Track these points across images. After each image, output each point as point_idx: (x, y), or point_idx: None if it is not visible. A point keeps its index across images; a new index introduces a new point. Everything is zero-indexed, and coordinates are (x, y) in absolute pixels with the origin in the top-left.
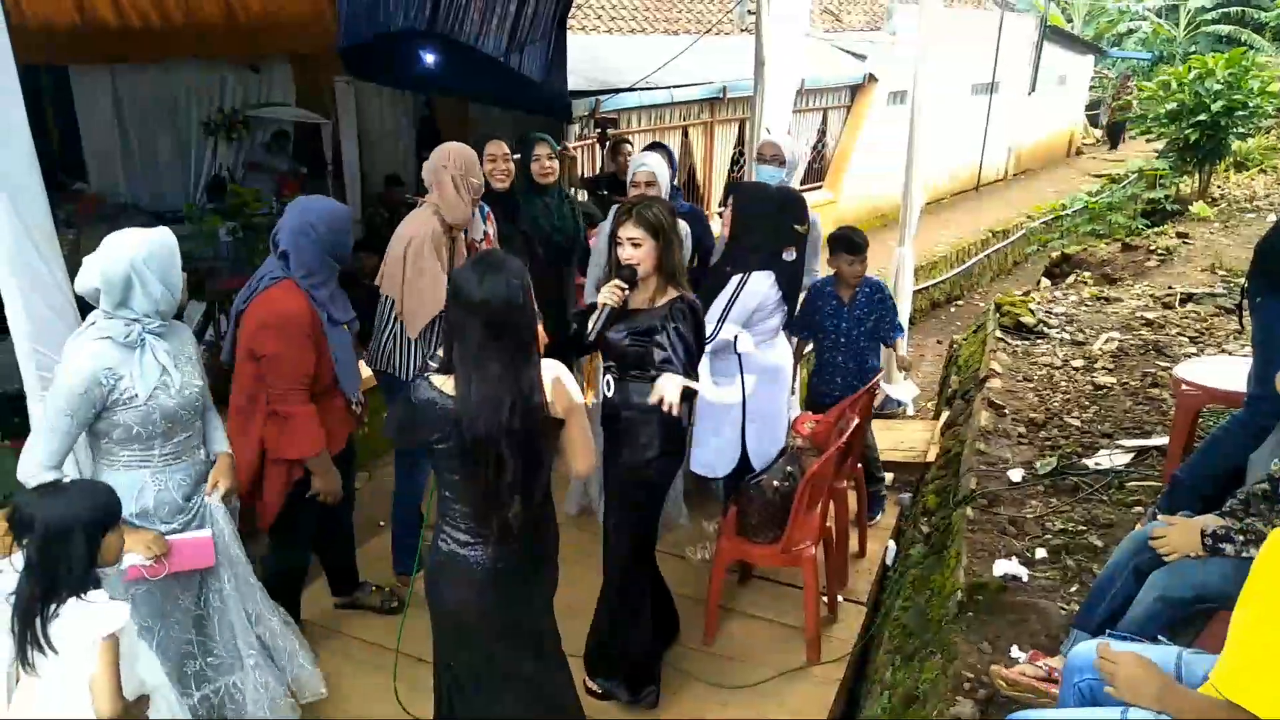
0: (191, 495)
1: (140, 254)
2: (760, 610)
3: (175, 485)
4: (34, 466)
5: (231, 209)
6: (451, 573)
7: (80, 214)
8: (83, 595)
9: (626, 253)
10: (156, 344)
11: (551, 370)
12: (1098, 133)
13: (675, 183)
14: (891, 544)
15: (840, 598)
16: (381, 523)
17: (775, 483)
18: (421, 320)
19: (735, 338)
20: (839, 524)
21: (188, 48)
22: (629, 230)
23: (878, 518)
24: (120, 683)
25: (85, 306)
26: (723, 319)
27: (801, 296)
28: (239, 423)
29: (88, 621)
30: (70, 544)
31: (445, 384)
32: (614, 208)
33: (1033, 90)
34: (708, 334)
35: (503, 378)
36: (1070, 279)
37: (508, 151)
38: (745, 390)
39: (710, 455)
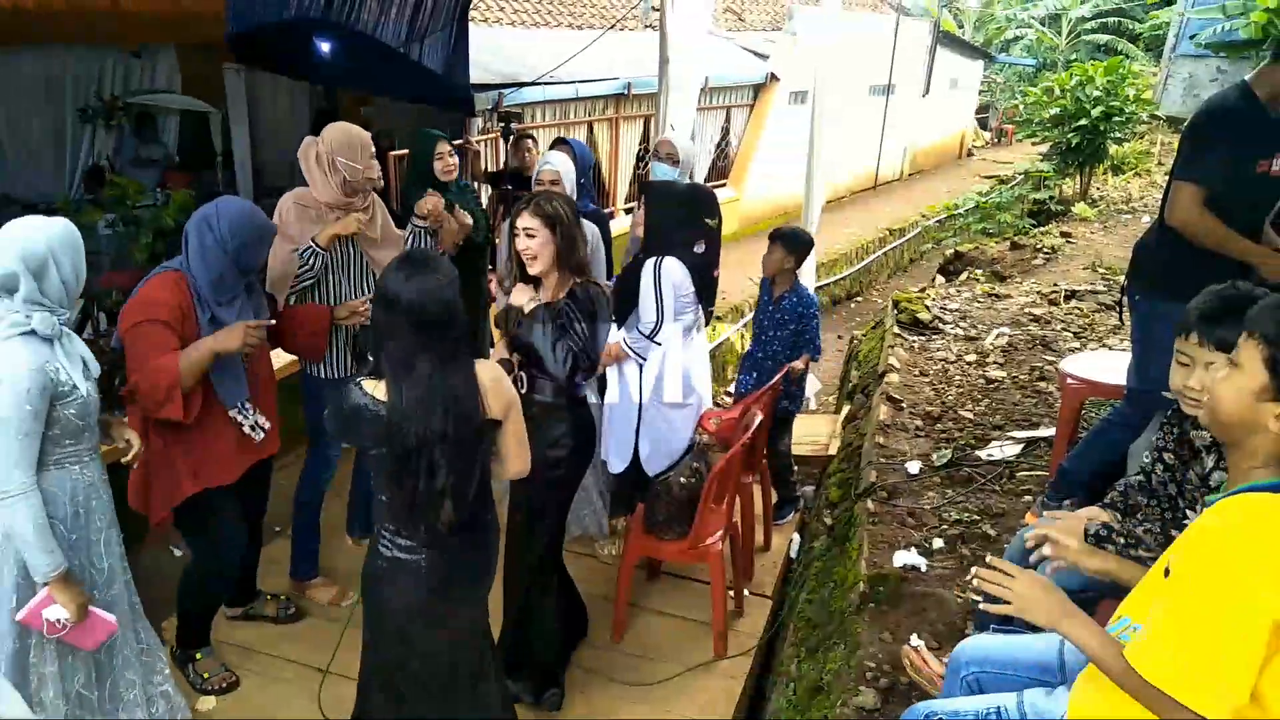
0: (103, 494)
1: (55, 238)
2: (668, 607)
3: (99, 482)
4: (12, 477)
5: (111, 201)
6: (392, 578)
7: None
8: None
9: (522, 243)
10: (69, 335)
11: (488, 370)
12: (987, 135)
13: (584, 179)
14: (796, 537)
15: (746, 592)
16: (278, 528)
17: (682, 479)
18: (275, 287)
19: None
20: (745, 519)
21: (66, 31)
22: (525, 220)
23: (788, 517)
24: None
25: None
26: (660, 305)
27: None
28: (132, 422)
29: None
30: None
31: (376, 389)
32: (517, 203)
33: (927, 93)
34: (651, 322)
35: (434, 381)
36: (963, 276)
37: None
38: (643, 393)
39: (611, 451)
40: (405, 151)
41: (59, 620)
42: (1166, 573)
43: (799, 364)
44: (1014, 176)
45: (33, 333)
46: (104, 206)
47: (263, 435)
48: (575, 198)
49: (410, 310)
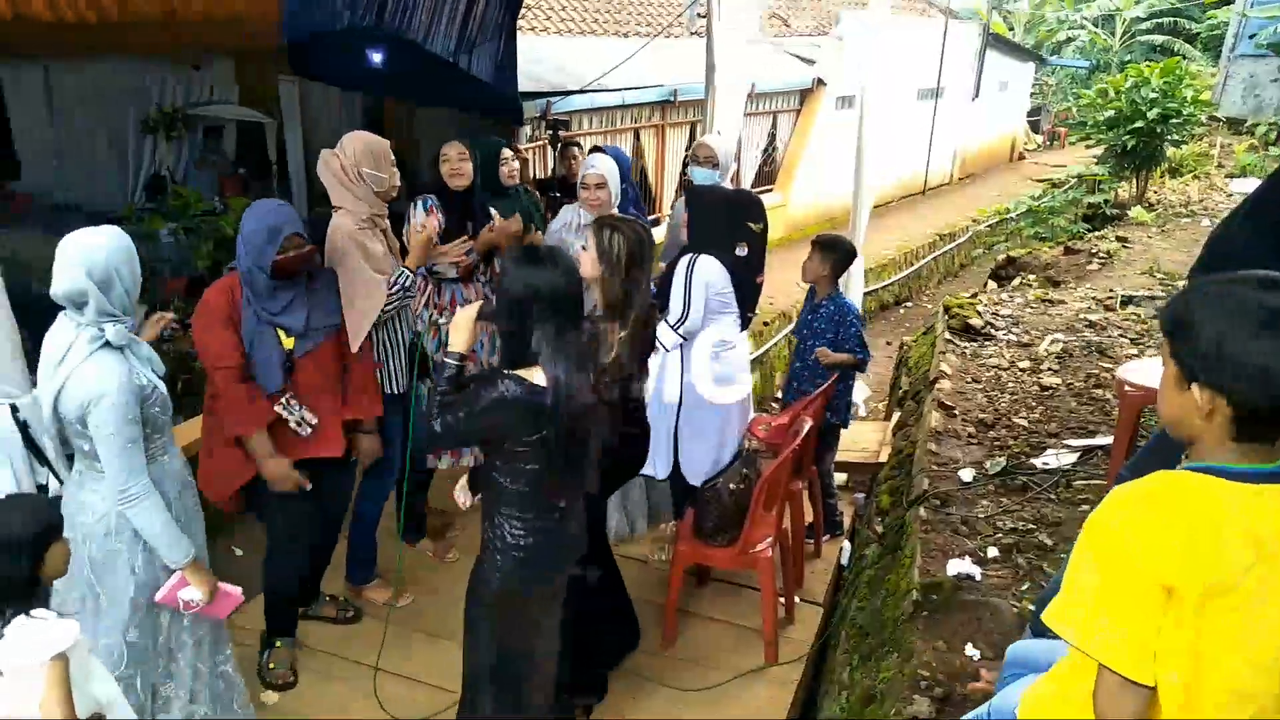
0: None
1: (115, 248)
2: (718, 613)
3: (183, 469)
4: (130, 480)
5: (174, 209)
6: (535, 560)
7: (13, 214)
8: (29, 613)
9: (580, 253)
10: (134, 339)
11: None
12: (1039, 138)
13: (631, 186)
14: (846, 544)
15: (797, 599)
16: None
17: (731, 485)
18: (362, 330)
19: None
20: (795, 526)
21: (125, 44)
22: (589, 232)
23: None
24: (72, 703)
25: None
26: (687, 299)
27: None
28: (205, 415)
29: (35, 641)
30: (10, 561)
31: (532, 375)
32: (563, 209)
33: (976, 96)
34: (676, 315)
35: (581, 359)
36: (1016, 281)
37: (464, 151)
38: (682, 397)
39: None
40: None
41: (194, 600)
42: None
43: (828, 353)
44: (1067, 180)
45: (108, 344)
46: (166, 215)
47: (309, 431)
48: (618, 202)
49: (556, 297)
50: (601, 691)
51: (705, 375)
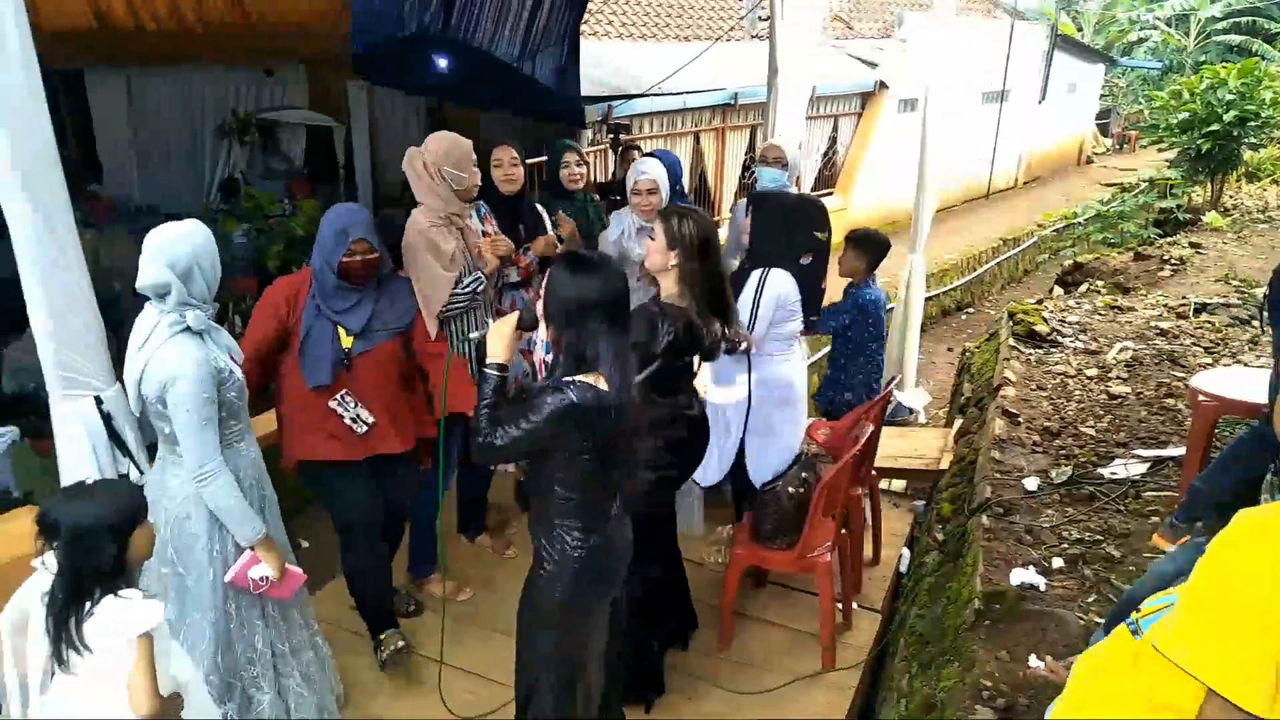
0: (261, 466)
1: (197, 241)
2: (774, 616)
3: (258, 454)
4: (205, 459)
5: (247, 211)
6: (592, 568)
7: (96, 216)
8: (116, 594)
9: (647, 245)
10: (214, 325)
11: None
12: (1108, 141)
13: (682, 188)
14: (906, 551)
15: (855, 604)
16: None
17: (790, 489)
18: (431, 317)
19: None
20: (854, 531)
21: (204, 51)
22: (656, 223)
23: None
24: (156, 681)
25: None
26: (754, 315)
27: None
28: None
29: (122, 620)
30: (98, 544)
31: (598, 381)
32: (614, 216)
33: (1043, 99)
34: (741, 332)
35: (633, 364)
36: (1083, 288)
37: (516, 156)
38: (750, 401)
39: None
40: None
41: (263, 578)
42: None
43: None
44: (1138, 184)
45: (188, 329)
46: (240, 217)
47: (365, 429)
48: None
49: (611, 302)
50: (660, 685)
51: (766, 379)
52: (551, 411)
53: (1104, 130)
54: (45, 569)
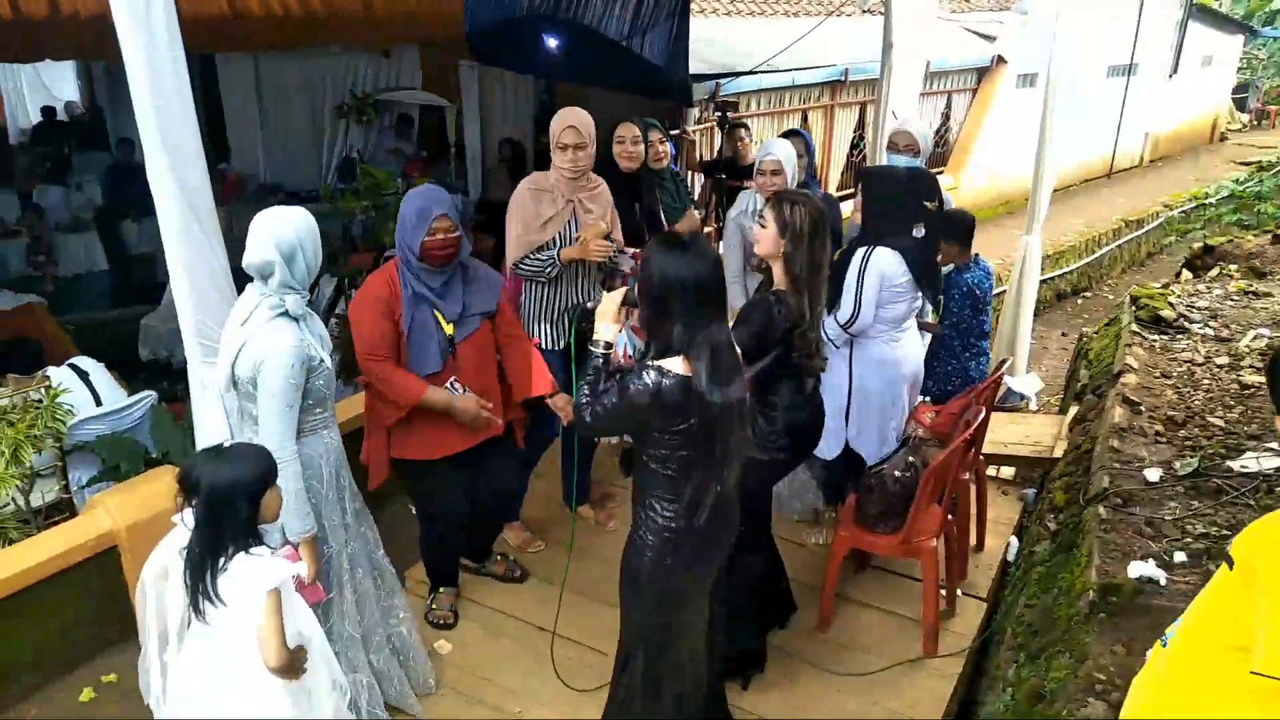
0: (343, 455)
1: (301, 227)
2: (876, 600)
3: (339, 444)
4: (281, 444)
5: (365, 189)
6: (683, 545)
7: (226, 193)
8: (248, 551)
9: (758, 230)
10: (310, 312)
11: None
12: (1244, 117)
13: (811, 170)
14: (1014, 540)
15: (959, 591)
16: None
17: (896, 473)
18: (509, 258)
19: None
20: (960, 518)
21: (327, 36)
22: (766, 209)
23: None
24: (284, 633)
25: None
26: (858, 298)
27: None
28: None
29: (253, 576)
30: (233, 504)
31: (675, 365)
32: (740, 195)
33: (1174, 72)
34: (846, 315)
35: (725, 347)
36: (1214, 271)
37: (638, 134)
38: (852, 382)
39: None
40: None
41: (298, 575)
42: (1230, 561)
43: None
44: (1277, 162)
45: (286, 313)
46: (359, 195)
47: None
48: (798, 184)
49: (700, 286)
50: (759, 663)
51: (868, 360)
52: (630, 395)
53: (1240, 105)
54: (184, 525)
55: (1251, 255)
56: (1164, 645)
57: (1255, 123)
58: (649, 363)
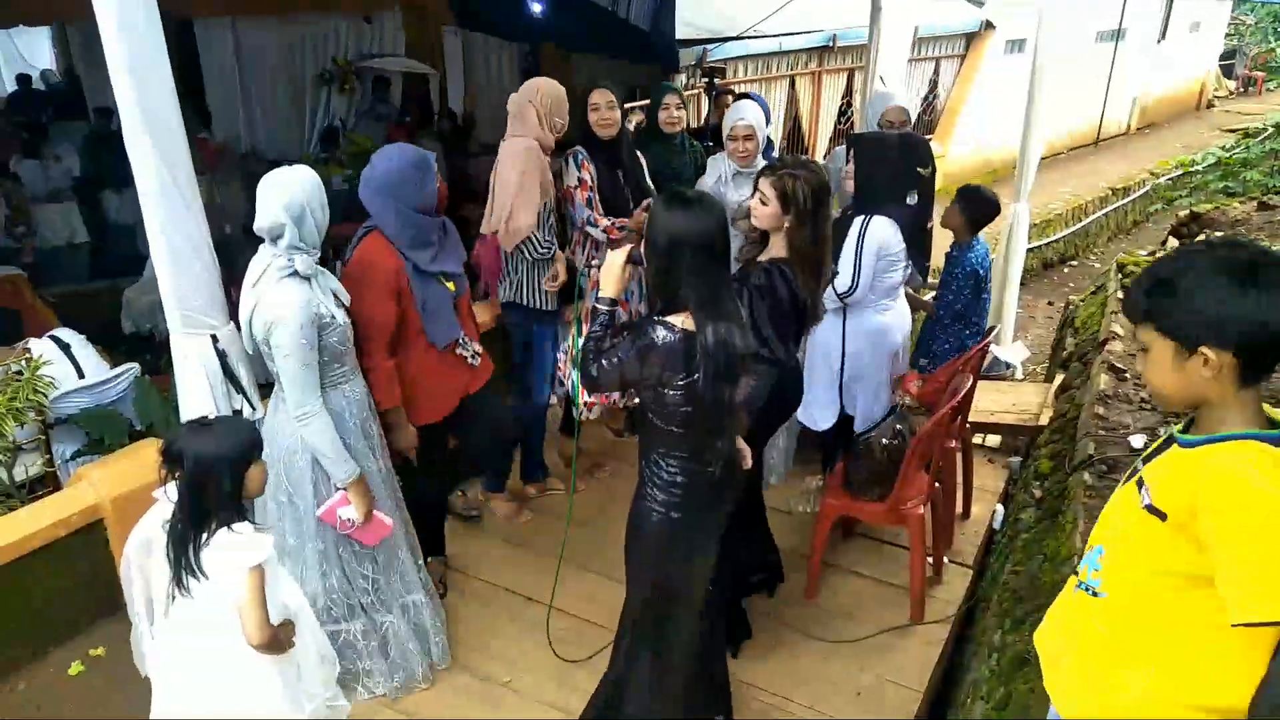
0: (371, 408)
1: (309, 186)
2: (863, 567)
3: (364, 395)
4: (304, 401)
5: (349, 157)
6: (689, 501)
7: (208, 162)
8: (231, 526)
9: (754, 202)
10: (322, 270)
11: None
12: (1232, 83)
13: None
14: (999, 508)
15: (945, 559)
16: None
17: (884, 441)
18: (511, 233)
19: None
20: (947, 485)
21: (307, 1)
22: (764, 185)
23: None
24: (267, 610)
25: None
26: (857, 267)
27: None
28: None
29: (236, 551)
30: (216, 476)
31: (682, 320)
32: (710, 161)
33: (1163, 38)
34: (845, 285)
35: (730, 303)
36: (1200, 239)
37: (613, 100)
38: (845, 349)
39: (813, 408)
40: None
41: (350, 519)
42: (1161, 515)
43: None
44: (1264, 129)
45: (295, 273)
46: (341, 163)
47: (478, 360)
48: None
49: (704, 241)
50: (747, 629)
51: (862, 328)
52: (636, 349)
53: (1228, 72)
54: (167, 498)
55: (1237, 223)
56: (1093, 595)
57: (1242, 89)
58: (653, 317)
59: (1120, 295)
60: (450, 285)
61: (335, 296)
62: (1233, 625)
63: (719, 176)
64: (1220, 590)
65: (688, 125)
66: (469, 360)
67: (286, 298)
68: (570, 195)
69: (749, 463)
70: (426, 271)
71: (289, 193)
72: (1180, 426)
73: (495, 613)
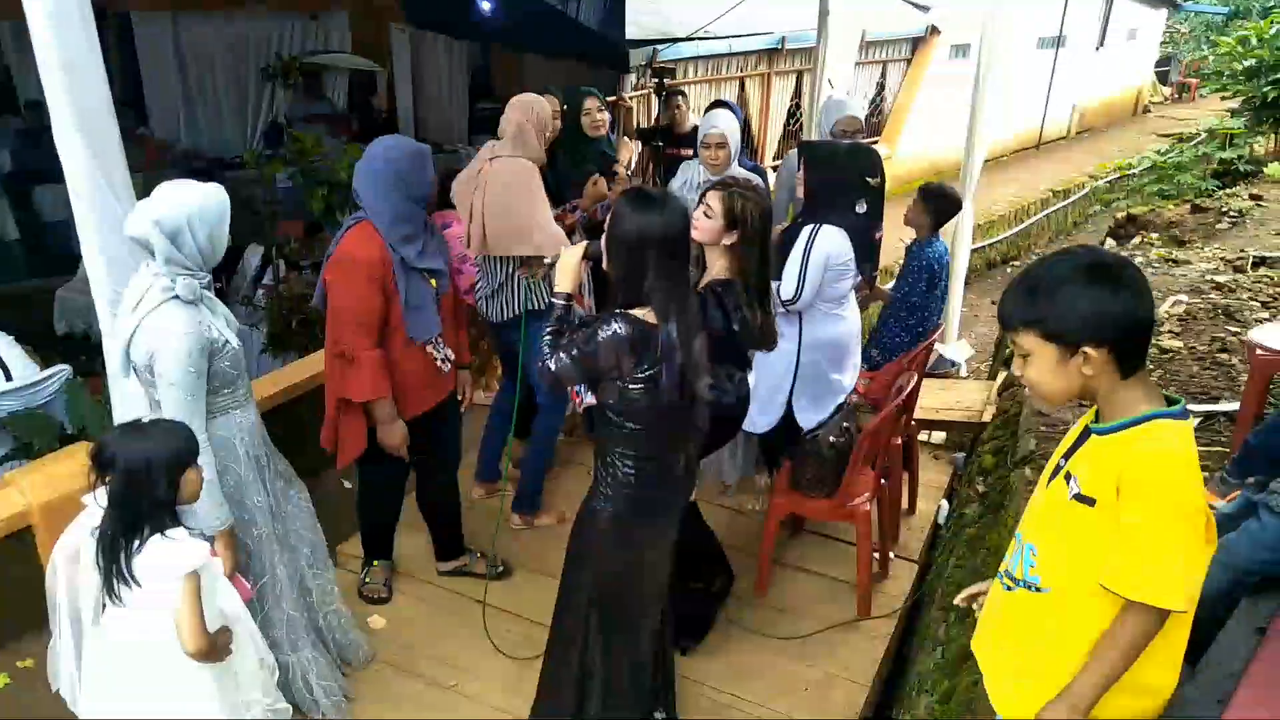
0: (261, 429)
1: (194, 205)
2: (811, 564)
3: (255, 422)
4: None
5: (292, 155)
6: (645, 497)
7: (145, 159)
8: (164, 532)
9: (697, 215)
10: (210, 296)
11: None
12: (1167, 90)
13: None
14: (944, 503)
15: (892, 554)
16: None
17: (831, 438)
18: (544, 249)
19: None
20: (892, 482)
21: None
22: (711, 199)
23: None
24: (203, 617)
25: None
26: (802, 276)
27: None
28: (329, 366)
29: (170, 558)
30: (150, 482)
31: (642, 314)
32: (681, 166)
33: (1101, 45)
34: (789, 293)
35: (688, 300)
36: (1136, 240)
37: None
38: (799, 358)
39: (755, 412)
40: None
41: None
42: (1090, 502)
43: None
44: (1197, 134)
45: (177, 298)
46: (285, 160)
47: (449, 366)
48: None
49: (667, 239)
50: (702, 632)
51: (816, 337)
52: (598, 342)
53: (1163, 79)
54: (96, 504)
55: (1171, 224)
56: (1035, 590)
57: (1177, 96)
58: (615, 312)
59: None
60: (433, 282)
61: (226, 320)
62: (1100, 584)
63: (686, 181)
64: (1110, 553)
65: (638, 125)
66: (439, 363)
67: (170, 324)
68: None
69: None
70: (413, 267)
71: (167, 207)
72: (1090, 418)
73: (442, 617)
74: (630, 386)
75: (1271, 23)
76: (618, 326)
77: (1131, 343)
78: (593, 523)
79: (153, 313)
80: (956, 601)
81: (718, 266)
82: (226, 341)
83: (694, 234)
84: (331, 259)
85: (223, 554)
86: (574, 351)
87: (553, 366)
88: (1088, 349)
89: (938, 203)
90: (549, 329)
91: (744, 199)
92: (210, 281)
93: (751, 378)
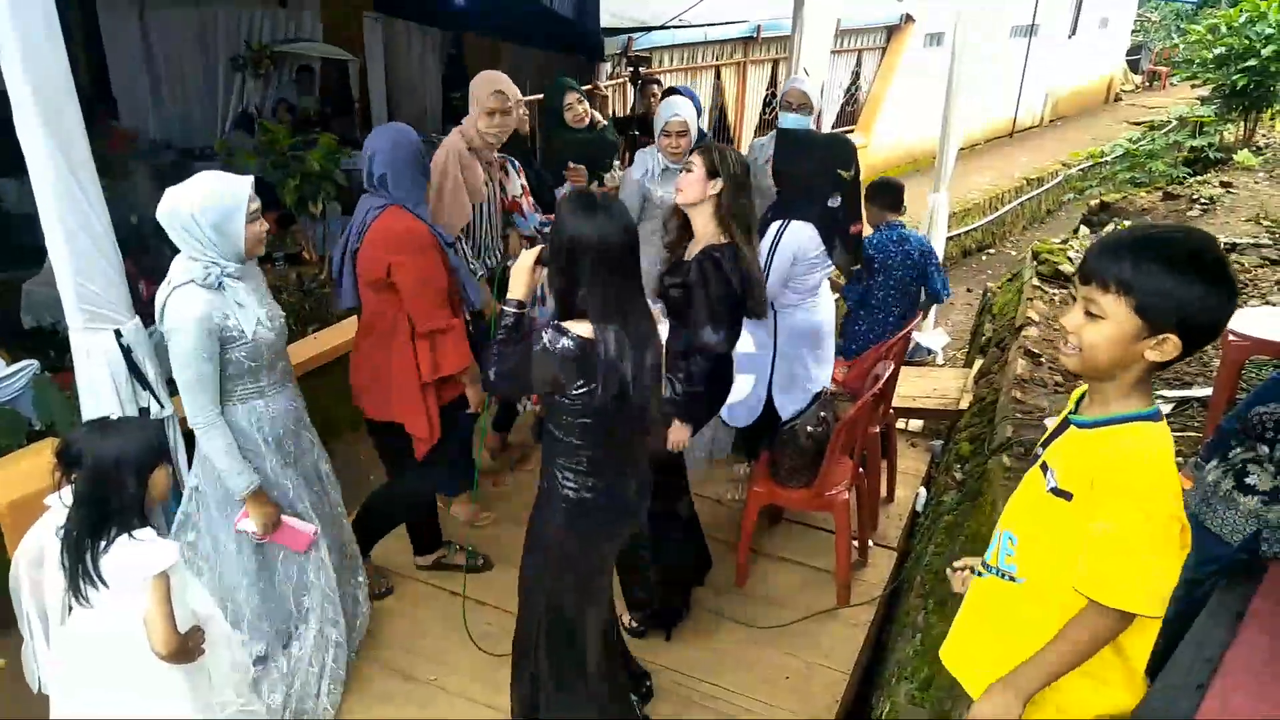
0: (297, 422)
1: (200, 199)
2: (790, 554)
3: (284, 412)
4: (196, 413)
5: (262, 146)
6: (589, 515)
7: (111, 150)
8: (132, 533)
9: (681, 179)
10: (235, 285)
11: None
12: (1138, 78)
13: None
14: (922, 490)
15: (870, 542)
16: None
17: (809, 428)
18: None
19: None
20: (870, 470)
21: None
22: (693, 156)
23: None
24: (173, 617)
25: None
26: (768, 269)
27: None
28: (382, 351)
29: (137, 558)
30: (119, 480)
31: (578, 328)
32: (638, 156)
33: (1073, 33)
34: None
35: (632, 313)
36: (1109, 227)
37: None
38: (776, 349)
39: (735, 404)
40: (538, 97)
41: (249, 532)
42: (1067, 496)
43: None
44: (1168, 122)
45: (192, 282)
46: (256, 151)
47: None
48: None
49: (604, 248)
50: (680, 613)
51: (792, 329)
52: (532, 355)
53: (1134, 67)
54: (61, 503)
55: (1144, 211)
56: (1010, 580)
57: (1148, 84)
58: (551, 323)
59: (1036, 282)
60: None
61: (256, 307)
62: (1075, 588)
63: (645, 171)
64: (1080, 555)
65: (613, 114)
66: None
67: (184, 308)
68: (518, 206)
69: (684, 439)
70: (446, 240)
71: (178, 198)
72: (1072, 407)
73: (422, 612)
74: (566, 401)
75: (1241, 10)
76: (551, 340)
77: (1199, 346)
78: (539, 537)
79: (172, 294)
80: (953, 565)
81: (709, 230)
82: (243, 331)
83: (678, 197)
84: (390, 242)
85: (253, 513)
86: (512, 363)
87: (491, 377)
88: (1172, 336)
89: (884, 195)
90: (498, 338)
91: (722, 151)
92: (242, 270)
93: (745, 379)
